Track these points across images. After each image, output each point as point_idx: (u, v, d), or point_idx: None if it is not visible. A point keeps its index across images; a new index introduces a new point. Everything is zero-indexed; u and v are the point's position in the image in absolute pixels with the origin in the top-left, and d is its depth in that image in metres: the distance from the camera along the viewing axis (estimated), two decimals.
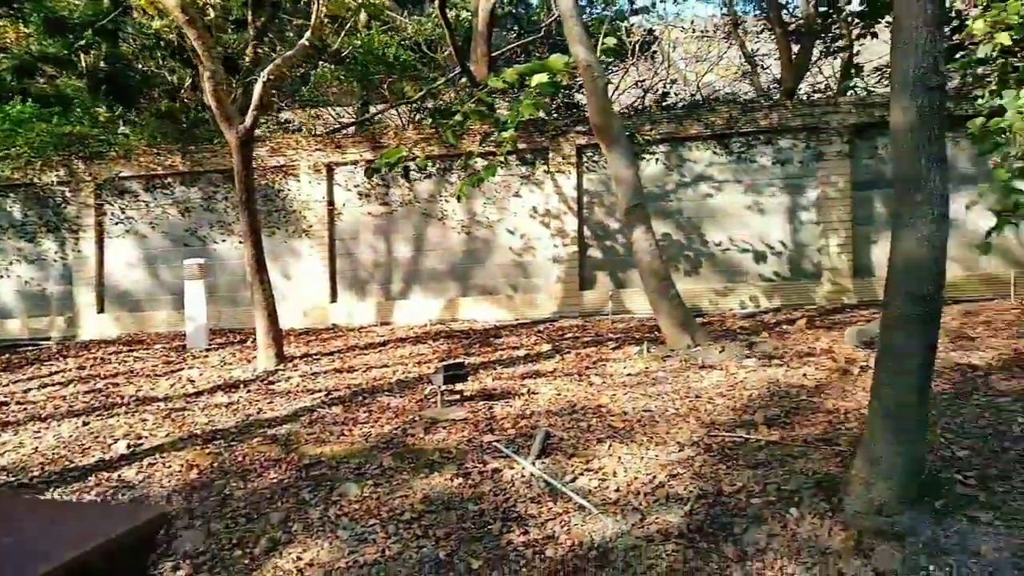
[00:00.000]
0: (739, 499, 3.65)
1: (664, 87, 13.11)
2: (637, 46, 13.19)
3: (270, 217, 10.63)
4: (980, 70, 7.05)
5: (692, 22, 16.06)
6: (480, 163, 9.02)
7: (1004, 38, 5.83)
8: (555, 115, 11.06)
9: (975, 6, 6.16)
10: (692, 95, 13.00)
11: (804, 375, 5.63)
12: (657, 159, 9.89)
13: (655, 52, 14.47)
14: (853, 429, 4.32)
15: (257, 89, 7.25)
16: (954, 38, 7.41)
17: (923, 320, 3.23)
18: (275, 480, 4.44)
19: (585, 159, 10.08)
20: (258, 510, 4.07)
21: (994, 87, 6.25)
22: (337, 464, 4.59)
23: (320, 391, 6.37)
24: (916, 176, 3.17)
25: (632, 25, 14.00)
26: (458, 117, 6.51)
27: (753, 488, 3.73)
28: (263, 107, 7.63)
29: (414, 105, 12.40)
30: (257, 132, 11.00)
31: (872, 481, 3.26)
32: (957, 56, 6.76)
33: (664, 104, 11.88)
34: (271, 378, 7.02)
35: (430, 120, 11.40)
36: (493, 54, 11.52)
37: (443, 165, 10.41)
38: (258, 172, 10.41)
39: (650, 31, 14.51)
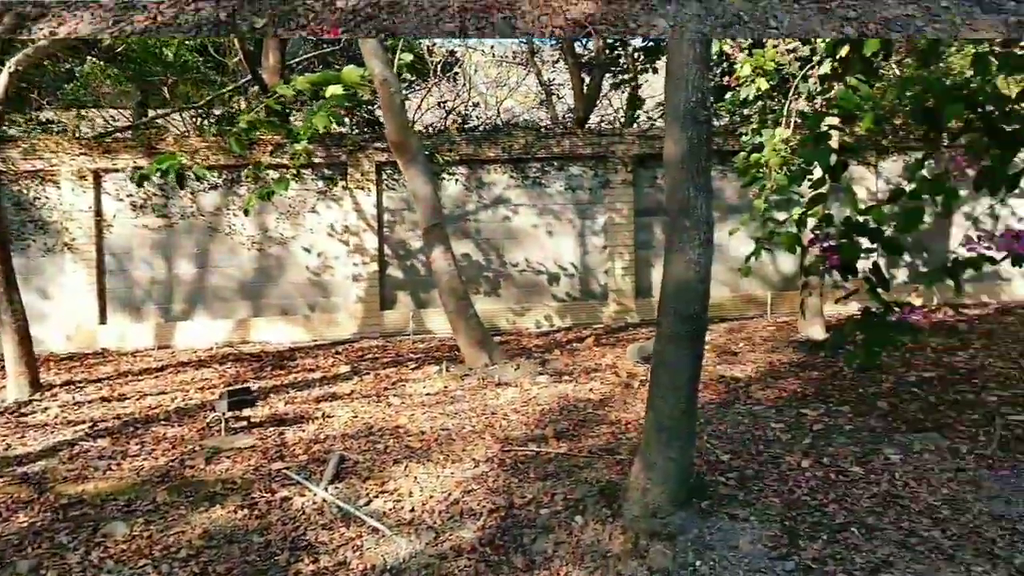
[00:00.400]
0: (529, 510, 3.74)
1: (466, 109, 13.38)
2: (439, 67, 13.35)
3: (24, 228, 9.42)
4: (746, 111, 7.91)
5: (492, 47, 16.57)
6: (272, 175, 8.62)
7: (762, 83, 6.61)
8: (355, 130, 10.88)
9: (741, 51, 6.88)
10: (492, 119, 13.38)
11: (591, 390, 5.94)
12: (457, 180, 10.04)
13: (457, 74, 14.74)
14: (633, 439, 4.61)
15: (2, 80, 6.40)
16: (724, 79, 8.24)
17: (691, 337, 3.50)
18: (25, 524, 3.91)
19: (385, 176, 9.99)
20: (2, 559, 3.54)
21: (755, 126, 7.05)
22: (102, 502, 4.13)
23: (84, 422, 5.71)
24: (685, 204, 3.44)
25: (434, 45, 14.16)
26: (243, 124, 6.16)
27: (542, 499, 3.85)
28: (10, 102, 6.77)
29: (200, 111, 11.62)
30: (9, 132, 9.76)
31: (648, 487, 3.48)
32: (727, 96, 7.51)
33: (465, 127, 12.11)
34: (23, 409, 6.19)
35: (215, 127, 10.73)
36: (288, 63, 11.13)
37: (230, 176, 9.82)
38: (8, 177, 9.23)
39: (452, 52, 14.76)
